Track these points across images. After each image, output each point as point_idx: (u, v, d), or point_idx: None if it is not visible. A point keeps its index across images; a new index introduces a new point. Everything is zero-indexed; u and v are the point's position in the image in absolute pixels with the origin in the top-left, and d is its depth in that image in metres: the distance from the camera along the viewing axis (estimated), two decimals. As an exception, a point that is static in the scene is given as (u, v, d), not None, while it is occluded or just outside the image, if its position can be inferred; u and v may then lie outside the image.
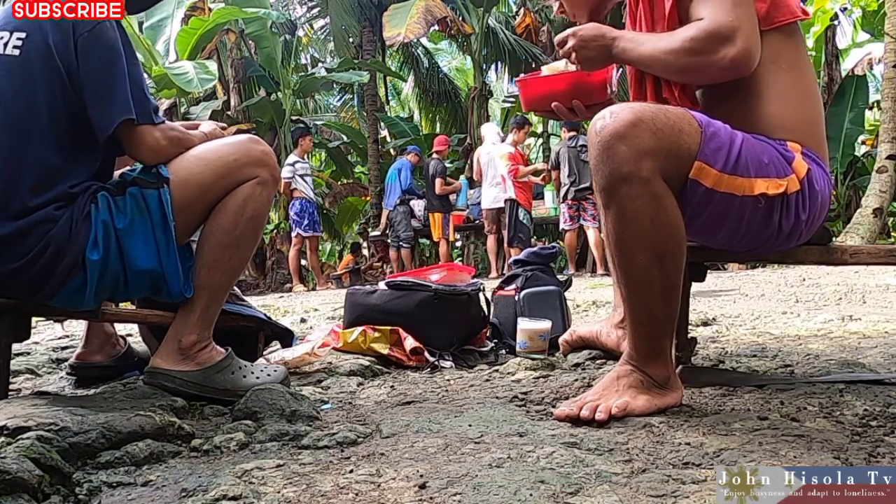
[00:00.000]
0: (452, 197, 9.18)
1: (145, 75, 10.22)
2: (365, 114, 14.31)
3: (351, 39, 13.35)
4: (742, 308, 3.41)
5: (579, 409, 1.23)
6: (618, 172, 1.21)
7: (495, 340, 2.33)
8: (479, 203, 8.76)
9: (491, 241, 8.33)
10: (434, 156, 8.86)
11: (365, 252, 12.00)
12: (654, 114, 1.23)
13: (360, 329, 2.14)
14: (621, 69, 1.64)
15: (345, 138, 14.03)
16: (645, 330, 1.30)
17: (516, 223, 7.69)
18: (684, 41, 1.32)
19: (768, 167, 1.30)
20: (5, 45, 1.38)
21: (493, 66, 14.23)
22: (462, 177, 9.21)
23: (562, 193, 7.81)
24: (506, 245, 8.04)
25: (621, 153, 1.20)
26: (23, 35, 1.37)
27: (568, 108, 1.57)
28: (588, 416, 1.21)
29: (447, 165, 9.63)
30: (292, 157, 8.42)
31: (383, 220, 9.68)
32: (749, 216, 1.32)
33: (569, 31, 1.44)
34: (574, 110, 1.57)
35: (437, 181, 8.54)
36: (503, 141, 8.05)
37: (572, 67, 1.51)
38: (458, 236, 10.21)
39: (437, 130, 14.86)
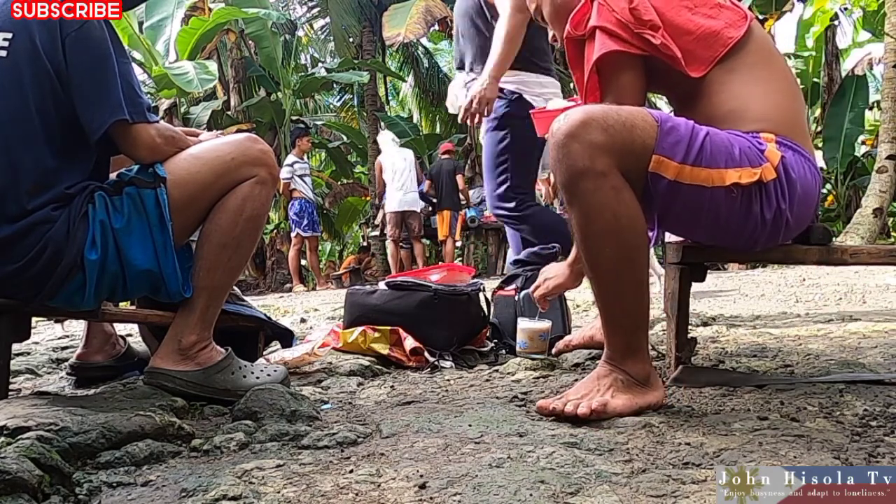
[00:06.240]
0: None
1: (144, 74, 10.18)
2: (365, 114, 14.29)
3: (351, 39, 13.34)
4: (742, 308, 3.41)
5: (563, 405, 1.26)
6: (574, 168, 1.24)
7: (495, 340, 2.33)
8: (476, 204, 8.93)
9: (391, 247, 8.49)
10: (445, 156, 9.15)
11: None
12: (604, 112, 1.26)
13: (360, 329, 2.14)
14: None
15: (345, 138, 14.02)
16: (618, 326, 1.32)
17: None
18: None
19: (740, 157, 1.31)
20: None
21: (492, 67, 14.21)
22: None
23: (558, 195, 7.88)
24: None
25: (575, 150, 1.24)
26: (9, 36, 1.34)
27: None
28: (571, 411, 1.23)
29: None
30: (290, 158, 8.45)
31: (380, 217, 9.69)
32: (726, 208, 1.32)
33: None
34: None
35: (459, 177, 8.89)
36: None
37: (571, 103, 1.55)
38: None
39: (437, 130, 14.86)
